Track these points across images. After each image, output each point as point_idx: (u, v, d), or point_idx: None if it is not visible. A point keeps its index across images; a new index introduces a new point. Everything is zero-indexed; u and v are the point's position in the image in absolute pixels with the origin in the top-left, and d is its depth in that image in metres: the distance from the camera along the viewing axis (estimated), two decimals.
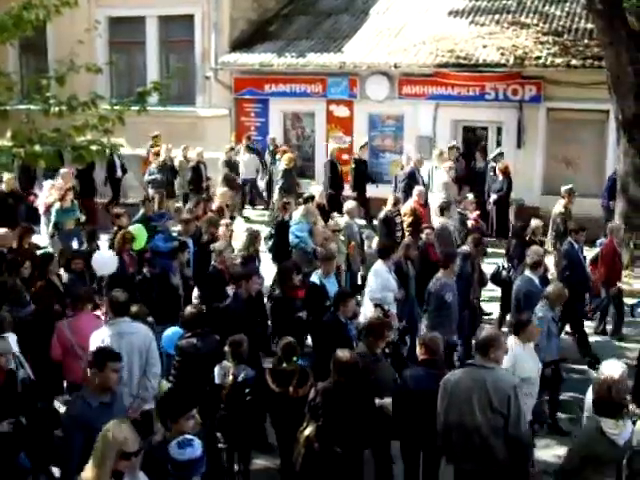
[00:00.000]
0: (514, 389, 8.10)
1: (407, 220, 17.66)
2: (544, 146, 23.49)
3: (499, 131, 24.19)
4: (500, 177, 21.61)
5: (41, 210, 19.88)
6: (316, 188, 19.83)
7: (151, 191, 23.39)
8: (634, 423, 7.60)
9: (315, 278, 13.08)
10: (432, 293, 12.88)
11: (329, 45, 26.03)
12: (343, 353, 9.02)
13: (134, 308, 10.92)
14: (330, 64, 25.04)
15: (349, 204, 17.63)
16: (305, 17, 28.37)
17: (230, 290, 12.70)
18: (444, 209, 17.20)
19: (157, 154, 23.85)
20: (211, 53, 26.91)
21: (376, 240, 17.21)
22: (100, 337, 9.93)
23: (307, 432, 8.63)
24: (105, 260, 14.27)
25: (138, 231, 15.95)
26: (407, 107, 24.73)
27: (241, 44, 27.13)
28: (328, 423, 8.65)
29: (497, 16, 25.74)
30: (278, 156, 23.89)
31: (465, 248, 14.63)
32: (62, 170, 20.73)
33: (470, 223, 17.88)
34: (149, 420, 9.56)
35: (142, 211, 17.82)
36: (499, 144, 23.96)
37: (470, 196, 19.15)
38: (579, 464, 7.45)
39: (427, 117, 24.55)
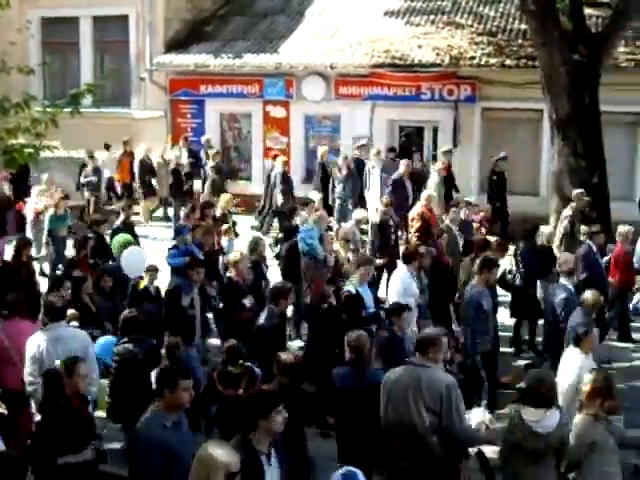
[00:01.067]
0: (447, 388, 8.06)
1: (415, 225, 17.20)
2: (480, 145, 23.70)
3: (435, 131, 24.35)
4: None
5: (29, 217, 19.41)
6: (314, 193, 19.50)
7: (86, 194, 23.12)
8: None
9: (350, 287, 12.59)
10: (470, 301, 12.39)
11: (265, 46, 25.95)
12: (286, 355, 9.17)
13: (69, 312, 10.78)
14: (266, 65, 24.99)
15: (358, 212, 17.38)
16: (241, 18, 28.23)
17: (247, 302, 12.36)
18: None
19: (92, 156, 23.52)
20: (146, 54, 26.67)
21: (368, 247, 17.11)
22: (36, 342, 9.79)
23: None
24: (137, 259, 13.60)
25: (123, 240, 15.33)
26: (343, 107, 24.78)
27: (176, 45, 26.94)
28: None
29: (432, 17, 25.90)
30: (268, 159, 23.70)
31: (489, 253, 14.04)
32: (44, 175, 20.32)
33: (475, 226, 17.72)
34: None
35: (122, 217, 17.13)
36: (435, 144, 24.16)
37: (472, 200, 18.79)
38: (506, 452, 8.06)
39: (363, 117, 24.60)
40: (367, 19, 26.37)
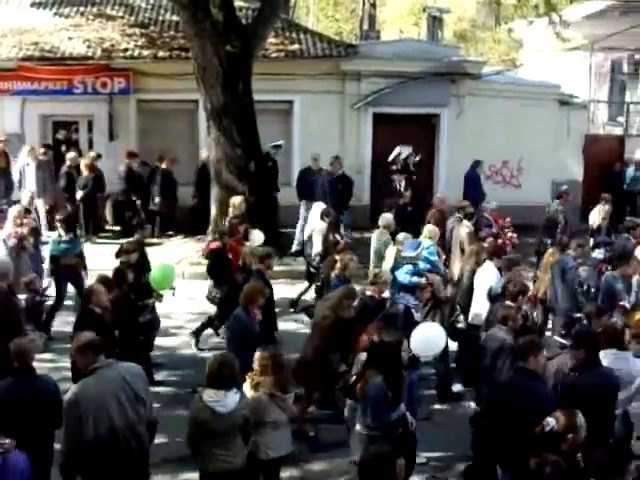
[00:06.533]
0: (145, 376, 8.34)
1: None
2: (137, 138, 23.50)
3: (90, 125, 23.84)
4: (85, 172, 21.23)
5: (8, 244, 14.72)
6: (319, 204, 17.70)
7: None
8: None
9: None
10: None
11: None
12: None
13: None
14: None
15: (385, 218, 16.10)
16: None
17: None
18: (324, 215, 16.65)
19: None
20: None
21: None
22: None
23: None
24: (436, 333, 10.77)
25: (165, 270, 13.04)
26: None
27: None
28: None
29: (82, 8, 25.39)
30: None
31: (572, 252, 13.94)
32: (24, 192, 17.95)
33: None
34: None
35: (137, 238, 14.66)
36: (91, 139, 23.69)
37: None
38: (194, 432, 8.19)
39: (14, 113, 23.43)
40: (13, 10, 25.37)
